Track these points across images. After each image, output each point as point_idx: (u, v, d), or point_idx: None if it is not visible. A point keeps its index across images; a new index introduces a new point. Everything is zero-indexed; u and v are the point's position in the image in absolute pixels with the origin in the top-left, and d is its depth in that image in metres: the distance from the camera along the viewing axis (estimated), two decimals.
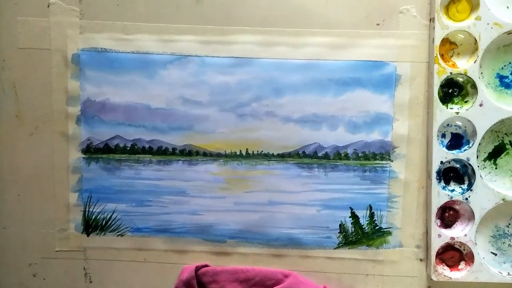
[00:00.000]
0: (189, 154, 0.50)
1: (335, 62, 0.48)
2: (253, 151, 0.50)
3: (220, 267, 0.50)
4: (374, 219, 0.50)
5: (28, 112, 0.50)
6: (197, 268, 0.50)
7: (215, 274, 0.50)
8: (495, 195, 0.48)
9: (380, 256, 0.51)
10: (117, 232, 0.51)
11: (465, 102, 0.48)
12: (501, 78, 0.48)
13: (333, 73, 0.49)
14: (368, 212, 0.50)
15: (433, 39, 0.47)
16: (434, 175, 0.48)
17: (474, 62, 0.47)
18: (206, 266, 0.50)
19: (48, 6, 0.49)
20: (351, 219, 0.50)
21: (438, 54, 0.47)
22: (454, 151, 0.48)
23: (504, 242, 0.50)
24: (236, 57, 0.49)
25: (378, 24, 0.48)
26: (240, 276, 0.49)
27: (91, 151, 0.50)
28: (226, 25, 0.48)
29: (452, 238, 0.49)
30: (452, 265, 0.50)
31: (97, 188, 0.51)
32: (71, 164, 0.50)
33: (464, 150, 0.48)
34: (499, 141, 0.49)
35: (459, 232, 0.49)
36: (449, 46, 0.48)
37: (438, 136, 0.48)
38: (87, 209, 0.51)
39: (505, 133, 0.49)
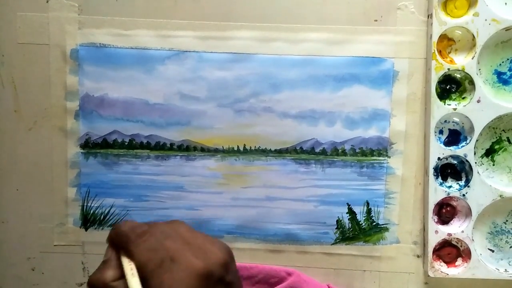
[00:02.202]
0: (186, 149, 0.50)
1: (332, 58, 0.49)
2: (250, 147, 0.50)
3: None
4: (371, 215, 0.50)
5: (27, 107, 0.50)
6: None
7: None
8: (493, 192, 0.48)
9: (377, 252, 0.51)
10: None
11: (463, 98, 0.48)
12: (499, 74, 0.48)
13: (331, 69, 0.49)
14: (365, 208, 0.50)
15: (431, 35, 0.47)
16: (431, 171, 0.48)
17: (472, 59, 0.47)
18: None
19: (47, 2, 0.49)
20: (348, 215, 0.50)
21: (435, 50, 0.47)
22: (451, 148, 0.48)
23: (501, 239, 0.50)
24: (233, 53, 0.49)
25: (375, 20, 0.48)
26: (243, 273, 0.49)
27: (90, 146, 0.50)
28: (224, 21, 0.49)
29: (449, 235, 0.49)
30: (449, 262, 0.50)
31: (95, 183, 0.51)
32: (69, 159, 0.51)
33: (462, 147, 0.48)
34: (496, 137, 0.49)
35: (456, 228, 0.49)
36: (447, 42, 0.48)
37: (435, 132, 0.48)
38: (85, 204, 0.51)
39: (503, 130, 0.49)
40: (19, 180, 0.51)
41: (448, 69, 0.47)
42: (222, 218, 0.51)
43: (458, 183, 0.49)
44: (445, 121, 0.49)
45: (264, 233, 0.51)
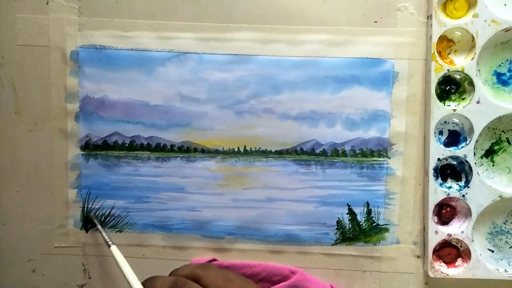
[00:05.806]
0: (187, 151, 0.50)
1: (333, 59, 0.49)
2: (251, 148, 0.50)
3: (228, 261, 0.50)
4: (371, 215, 0.50)
5: (27, 109, 0.50)
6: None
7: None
8: (492, 192, 0.48)
9: (377, 252, 0.51)
10: (116, 228, 0.51)
11: (463, 99, 0.48)
12: (498, 75, 0.48)
13: (331, 70, 0.49)
14: (366, 208, 0.50)
15: (431, 36, 0.47)
16: (431, 172, 0.48)
17: (472, 60, 0.47)
18: (215, 260, 0.51)
19: (47, 3, 0.49)
20: (348, 215, 0.50)
21: (435, 52, 0.47)
22: (451, 148, 0.49)
23: (501, 239, 0.50)
24: (234, 54, 0.49)
25: (375, 22, 0.48)
26: (246, 271, 0.50)
27: (90, 147, 0.50)
28: (224, 23, 0.49)
29: (449, 235, 0.49)
30: (449, 262, 0.50)
31: (95, 185, 0.51)
32: (69, 161, 0.51)
33: (461, 147, 0.48)
34: (496, 138, 0.49)
35: (456, 229, 0.49)
36: (446, 43, 0.48)
37: (435, 133, 0.48)
38: (86, 206, 0.51)
39: (503, 130, 0.49)
40: (19, 182, 0.51)
41: (448, 70, 0.47)
42: (223, 219, 0.51)
43: (458, 184, 0.49)
44: (445, 122, 0.49)
45: (265, 234, 0.51)
